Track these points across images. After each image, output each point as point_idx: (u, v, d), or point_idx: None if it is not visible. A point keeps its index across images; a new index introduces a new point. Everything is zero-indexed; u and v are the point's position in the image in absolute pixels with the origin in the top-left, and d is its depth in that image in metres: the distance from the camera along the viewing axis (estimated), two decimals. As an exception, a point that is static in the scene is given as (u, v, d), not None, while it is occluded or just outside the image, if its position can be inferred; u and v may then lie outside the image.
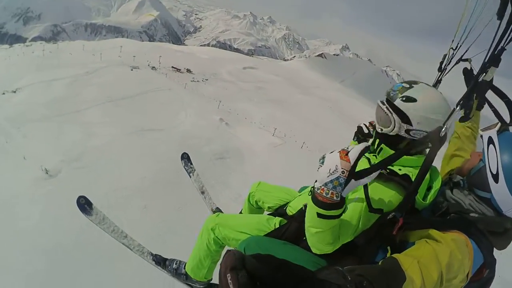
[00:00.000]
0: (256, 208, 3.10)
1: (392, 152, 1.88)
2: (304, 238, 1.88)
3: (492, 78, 1.73)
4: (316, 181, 1.55)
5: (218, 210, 3.80)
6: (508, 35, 1.32)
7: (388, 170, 1.78)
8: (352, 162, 1.43)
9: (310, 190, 1.64)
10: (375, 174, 1.51)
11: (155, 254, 2.91)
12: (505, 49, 1.40)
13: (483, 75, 1.49)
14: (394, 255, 1.40)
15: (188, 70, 23.59)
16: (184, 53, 33.38)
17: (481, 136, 1.69)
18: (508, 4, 1.33)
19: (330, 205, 1.49)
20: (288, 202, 2.62)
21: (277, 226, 2.30)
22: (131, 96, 11.57)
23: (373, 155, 2.03)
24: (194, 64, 27.01)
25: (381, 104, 1.92)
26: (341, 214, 1.57)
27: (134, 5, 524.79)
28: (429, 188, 1.81)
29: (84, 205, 2.88)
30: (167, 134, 8.34)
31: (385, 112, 1.88)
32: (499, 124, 1.68)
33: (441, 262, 1.36)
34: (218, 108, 13.70)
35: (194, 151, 7.68)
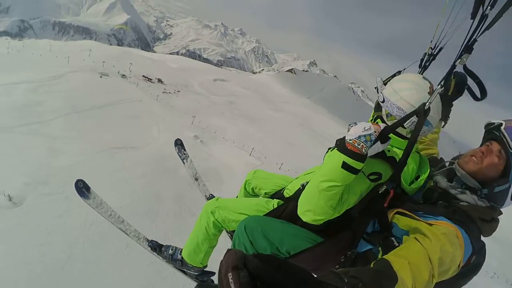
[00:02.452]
0: (252, 195, 3.09)
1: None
2: None
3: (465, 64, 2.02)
4: (344, 136, 1.70)
5: (212, 196, 3.76)
6: (479, 30, 1.69)
7: None
8: (381, 128, 1.69)
9: (336, 144, 1.73)
10: (388, 142, 1.72)
11: (151, 240, 2.92)
12: (476, 40, 1.73)
13: (459, 60, 1.80)
14: (385, 257, 1.42)
15: (160, 80, 22.92)
16: (154, 61, 32.60)
17: (507, 144, 1.71)
18: (480, 8, 1.69)
19: (358, 156, 1.62)
20: (284, 187, 2.61)
21: (275, 206, 2.34)
22: (99, 106, 10.83)
23: None
24: (165, 73, 26.36)
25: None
26: (359, 171, 1.68)
27: (105, 6, 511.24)
28: (417, 177, 1.95)
29: (82, 188, 2.88)
30: (141, 154, 7.75)
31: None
32: None
33: (432, 259, 1.39)
34: (192, 123, 13.23)
35: (171, 174, 7.22)
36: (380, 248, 1.71)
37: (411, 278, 1.31)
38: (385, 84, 2.31)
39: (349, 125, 1.75)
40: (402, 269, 1.32)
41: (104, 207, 2.98)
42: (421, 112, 1.72)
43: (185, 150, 4.06)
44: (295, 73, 78.33)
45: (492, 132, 1.83)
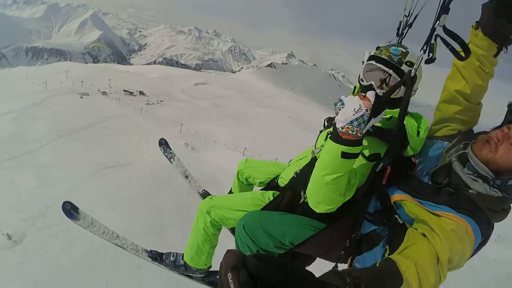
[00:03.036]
0: (246, 185, 3.01)
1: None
2: (301, 202, 2.03)
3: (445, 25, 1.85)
4: (335, 124, 1.59)
5: (205, 192, 3.60)
6: None
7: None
8: (372, 102, 1.57)
9: (328, 135, 1.67)
10: (383, 114, 1.65)
11: (150, 250, 2.82)
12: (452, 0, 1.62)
13: (438, 22, 1.71)
14: (392, 257, 1.37)
15: (141, 93, 22.64)
16: (133, 74, 32.21)
17: None
18: None
19: (355, 141, 1.56)
20: (278, 175, 2.54)
21: (271, 198, 2.25)
22: (84, 127, 10.61)
23: None
24: (145, 84, 26.06)
25: (386, 69, 1.93)
26: (359, 154, 1.63)
27: (76, 25, 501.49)
28: (417, 133, 1.87)
29: (70, 210, 2.77)
30: (134, 170, 7.59)
31: (392, 77, 1.91)
32: None
33: (441, 260, 1.34)
34: (180, 132, 13.06)
35: (168, 186, 7.08)
36: (387, 247, 1.64)
37: (417, 281, 1.27)
38: None
39: (335, 106, 1.64)
40: (408, 270, 1.28)
41: (96, 226, 2.86)
42: (408, 81, 1.68)
43: (170, 149, 3.90)
44: (274, 67, 78.41)
45: None
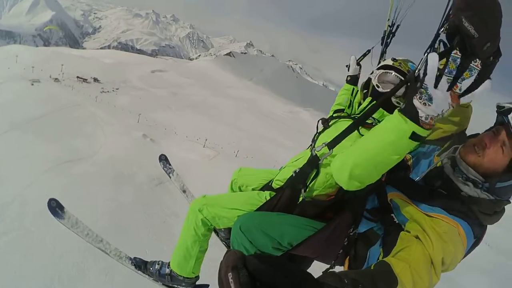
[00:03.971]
0: None
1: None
2: (300, 202, 1.90)
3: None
4: (411, 106, 1.36)
5: None
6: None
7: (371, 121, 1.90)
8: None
9: (398, 112, 1.42)
10: None
11: (134, 258, 2.55)
12: None
13: (442, 29, 1.53)
14: (386, 259, 1.35)
15: (95, 79, 21.61)
16: (86, 59, 30.58)
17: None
18: None
19: (430, 126, 1.40)
20: (272, 180, 2.41)
21: (268, 198, 2.12)
22: (36, 117, 9.97)
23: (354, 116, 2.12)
24: (100, 71, 24.90)
25: (394, 72, 2.01)
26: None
27: (28, 4, 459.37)
28: None
29: (56, 208, 2.46)
30: (92, 165, 7.35)
31: (399, 79, 1.98)
32: None
33: (434, 262, 1.33)
34: (138, 122, 12.72)
35: (129, 182, 6.96)
36: (381, 249, 1.65)
37: (411, 283, 1.26)
38: (358, 63, 2.47)
39: (421, 95, 1.35)
40: (402, 272, 1.27)
41: (80, 227, 2.57)
42: (412, 81, 1.53)
43: (170, 164, 3.82)
44: (233, 56, 77.98)
45: (501, 116, 1.61)
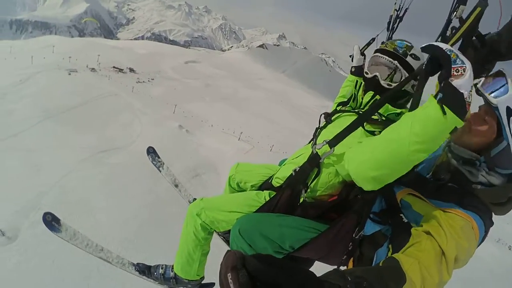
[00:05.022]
0: (238, 191, 2.75)
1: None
2: (301, 202, 1.88)
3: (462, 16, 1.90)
4: (451, 87, 1.21)
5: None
6: None
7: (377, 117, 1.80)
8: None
9: (437, 100, 1.23)
10: None
11: (137, 263, 2.62)
12: None
13: (454, 13, 1.69)
14: (395, 255, 1.32)
15: (131, 70, 21.89)
16: (121, 49, 31.13)
17: (488, 101, 1.49)
18: None
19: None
20: (271, 176, 2.39)
21: (267, 198, 2.07)
22: (73, 107, 10.09)
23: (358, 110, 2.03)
24: (135, 61, 25.25)
25: (391, 59, 1.93)
26: None
27: None
28: None
29: (52, 222, 2.52)
30: (128, 155, 7.26)
31: (397, 68, 1.92)
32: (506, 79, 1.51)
33: (447, 258, 1.30)
34: (174, 112, 12.67)
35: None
36: (390, 246, 1.56)
37: (420, 280, 1.22)
38: (362, 52, 2.35)
39: (454, 64, 1.23)
40: (411, 269, 1.24)
41: (78, 238, 2.62)
42: (422, 74, 1.48)
43: (159, 157, 3.62)
44: (266, 48, 77.35)
45: (479, 93, 1.64)
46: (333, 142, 1.70)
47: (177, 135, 9.45)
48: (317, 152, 1.84)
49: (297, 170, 1.94)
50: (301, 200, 1.92)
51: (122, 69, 20.26)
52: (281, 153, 10.85)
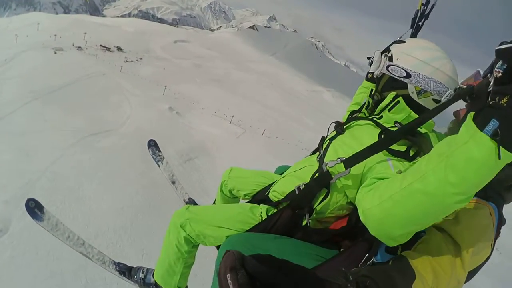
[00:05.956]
0: (231, 198, 2.74)
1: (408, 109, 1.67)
2: (302, 226, 1.71)
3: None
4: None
5: (191, 201, 3.44)
6: None
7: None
8: None
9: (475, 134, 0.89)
10: None
11: (118, 263, 2.61)
12: None
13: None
14: (404, 253, 1.28)
15: (119, 48, 21.30)
16: (109, 27, 30.21)
17: None
18: None
19: None
20: (267, 186, 2.30)
21: (264, 215, 1.93)
22: (60, 87, 9.72)
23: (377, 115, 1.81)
24: (123, 39, 24.57)
25: (376, 51, 1.89)
26: None
27: None
28: None
29: (34, 209, 2.58)
30: (120, 137, 7.04)
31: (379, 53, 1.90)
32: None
33: (462, 252, 1.24)
34: (163, 94, 12.41)
35: (159, 156, 6.69)
36: (400, 245, 1.44)
37: (432, 275, 1.17)
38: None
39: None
40: (421, 265, 1.18)
41: (60, 229, 2.63)
42: (482, 89, 1.17)
43: (159, 151, 3.78)
44: (257, 29, 76.29)
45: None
46: (350, 163, 1.45)
47: (167, 117, 9.24)
48: (328, 170, 1.61)
49: (301, 188, 1.74)
50: (304, 223, 1.75)
51: (110, 48, 19.66)
52: (273, 138, 10.79)
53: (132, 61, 18.83)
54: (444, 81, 1.62)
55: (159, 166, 3.71)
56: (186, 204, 3.26)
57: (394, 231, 1.16)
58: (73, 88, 9.92)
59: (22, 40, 16.24)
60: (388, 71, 1.75)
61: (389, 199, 1.11)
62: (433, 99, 1.66)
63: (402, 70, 1.68)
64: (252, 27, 78.88)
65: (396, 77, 1.71)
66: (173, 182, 3.62)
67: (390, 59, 1.76)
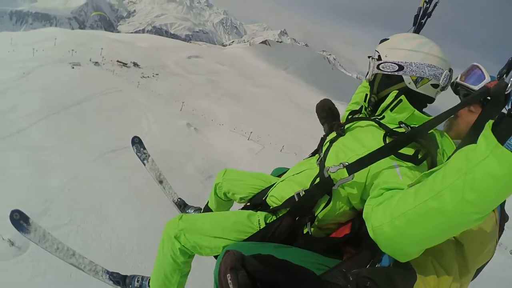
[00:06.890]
0: (225, 201, 2.64)
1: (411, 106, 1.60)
2: (302, 234, 1.64)
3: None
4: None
5: (181, 201, 3.32)
6: None
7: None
8: None
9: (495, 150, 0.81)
10: None
11: (111, 272, 2.53)
12: None
13: None
14: None
15: (135, 64, 21.60)
16: (124, 43, 30.84)
17: (470, 91, 1.72)
18: None
19: None
20: (264, 190, 2.22)
21: (262, 223, 1.82)
22: (77, 102, 9.75)
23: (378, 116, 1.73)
24: (138, 55, 24.97)
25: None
26: None
27: None
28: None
29: (19, 221, 2.46)
30: (139, 155, 6.94)
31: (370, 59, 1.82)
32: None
33: (465, 251, 1.22)
34: (181, 110, 12.38)
35: (178, 173, 6.47)
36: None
37: (434, 276, 1.16)
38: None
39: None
40: (422, 266, 1.18)
41: (48, 240, 2.52)
42: (500, 95, 1.15)
43: (144, 149, 3.61)
44: (269, 44, 77.10)
45: (458, 91, 1.84)
46: (354, 168, 1.41)
47: (185, 133, 9.15)
48: (329, 175, 1.54)
49: (301, 194, 1.66)
50: (305, 231, 1.66)
51: (126, 64, 19.93)
52: (291, 154, 10.58)
53: (148, 76, 19.03)
54: (437, 64, 1.58)
55: (144, 164, 3.55)
56: (176, 204, 3.26)
57: (406, 248, 1.12)
58: (90, 104, 9.94)
59: (40, 54, 16.56)
60: (380, 69, 1.68)
61: (401, 216, 1.05)
62: (431, 85, 1.60)
63: (393, 64, 1.63)
64: (264, 42, 79.75)
65: (389, 73, 1.65)
66: (161, 182, 3.44)
67: (379, 58, 1.70)
